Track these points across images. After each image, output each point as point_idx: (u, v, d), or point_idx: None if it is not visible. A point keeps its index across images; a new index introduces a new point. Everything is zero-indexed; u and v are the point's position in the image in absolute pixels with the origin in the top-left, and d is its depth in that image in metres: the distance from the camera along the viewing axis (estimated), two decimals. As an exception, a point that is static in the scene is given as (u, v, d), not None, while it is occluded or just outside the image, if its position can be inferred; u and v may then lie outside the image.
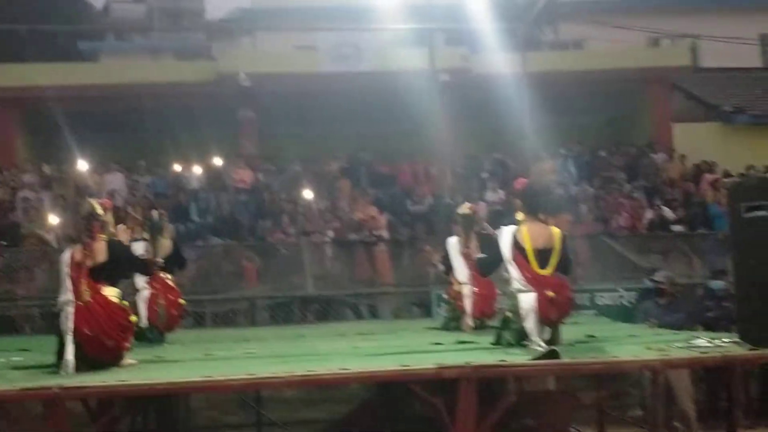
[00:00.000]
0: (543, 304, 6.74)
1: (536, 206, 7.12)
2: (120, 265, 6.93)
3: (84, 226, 6.81)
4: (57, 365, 6.37)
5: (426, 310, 13.04)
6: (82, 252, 6.66)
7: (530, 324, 6.73)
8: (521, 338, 6.85)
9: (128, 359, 6.67)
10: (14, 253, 14.35)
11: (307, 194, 16.48)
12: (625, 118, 20.44)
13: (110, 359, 6.45)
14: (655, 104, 20.02)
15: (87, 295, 6.50)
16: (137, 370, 6.33)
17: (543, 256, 6.86)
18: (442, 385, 5.99)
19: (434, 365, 5.80)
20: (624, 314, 11.17)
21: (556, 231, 6.98)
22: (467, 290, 9.31)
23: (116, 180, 17.44)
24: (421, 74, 15.42)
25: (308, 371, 5.77)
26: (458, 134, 18.42)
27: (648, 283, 10.34)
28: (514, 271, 6.94)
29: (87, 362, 6.33)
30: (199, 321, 13.32)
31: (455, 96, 18.06)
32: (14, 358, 7.52)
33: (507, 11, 18.17)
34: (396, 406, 8.48)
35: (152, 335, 8.99)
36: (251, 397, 10.29)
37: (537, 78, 16.72)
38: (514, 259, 6.92)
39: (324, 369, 5.84)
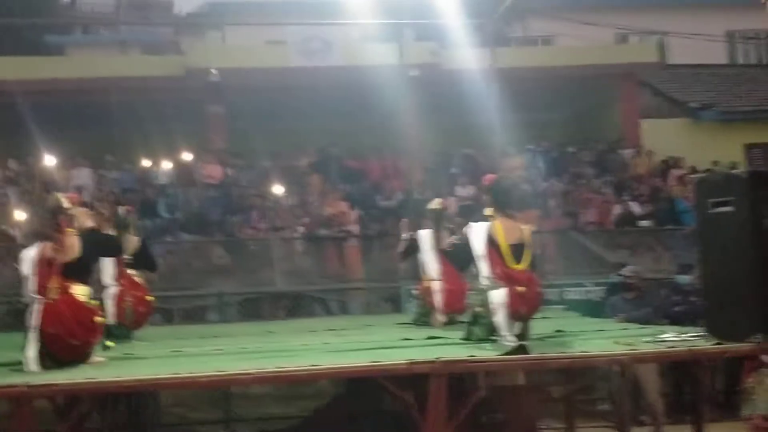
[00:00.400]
0: (513, 299, 6.77)
1: (506, 202, 7.14)
2: (92, 260, 6.85)
3: (50, 221, 6.70)
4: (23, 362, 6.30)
5: (396, 306, 13.06)
6: (53, 248, 6.54)
7: (500, 319, 6.76)
8: (491, 333, 6.88)
9: (96, 357, 6.61)
10: (-21, 249, 14.16)
11: (277, 189, 16.42)
12: (594, 114, 20.58)
13: (76, 358, 6.37)
14: (623, 100, 20.16)
15: (54, 293, 6.40)
16: (105, 368, 6.28)
17: (517, 251, 6.89)
18: (413, 380, 6.02)
19: (405, 360, 5.81)
20: (592, 309, 11.23)
21: (526, 227, 7.03)
22: (437, 286, 9.33)
23: (83, 175, 17.26)
24: (390, 69, 15.42)
25: (278, 368, 5.77)
26: (428, 129, 18.43)
27: (616, 278, 10.43)
28: (484, 267, 6.95)
29: (53, 360, 6.26)
30: (167, 317, 13.24)
31: (425, 91, 18.05)
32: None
33: (476, 7, 18.19)
34: (367, 402, 8.49)
35: (119, 332, 8.89)
36: (220, 393, 10.24)
37: (506, 74, 16.81)
38: (488, 255, 6.92)
39: (294, 365, 5.82)
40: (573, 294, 12.50)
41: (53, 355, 6.31)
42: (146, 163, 17.72)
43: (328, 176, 17.65)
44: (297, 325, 10.91)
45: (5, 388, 5.32)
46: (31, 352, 6.22)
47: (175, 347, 7.67)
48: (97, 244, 7.01)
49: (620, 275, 9.94)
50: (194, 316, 13.54)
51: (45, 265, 6.51)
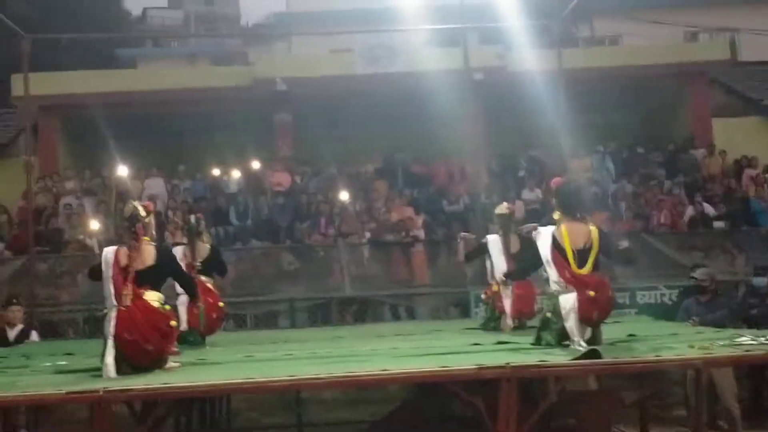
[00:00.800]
0: (584, 303, 6.68)
1: (573, 205, 7.05)
2: (165, 272, 6.98)
3: (127, 229, 6.85)
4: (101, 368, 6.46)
5: (464, 311, 13.02)
6: (128, 255, 6.68)
7: (571, 324, 6.69)
8: (562, 339, 6.81)
9: (171, 362, 6.74)
10: (57, 259, 14.59)
11: (344, 196, 16.54)
12: (663, 114, 20.22)
13: (152, 364, 6.50)
14: (694, 99, 19.76)
15: (128, 300, 6.54)
16: (180, 373, 6.40)
17: (582, 255, 6.80)
18: (482, 385, 5.99)
19: (474, 366, 5.79)
20: (665, 312, 11.05)
21: (593, 229, 6.92)
22: (506, 290, 9.28)
23: (156, 185, 17.67)
24: (455, 73, 15.39)
25: (348, 372, 5.80)
26: (493, 133, 18.39)
27: (689, 281, 10.22)
28: (553, 272, 6.89)
29: (130, 366, 6.40)
30: (240, 323, 13.46)
31: (490, 94, 18.02)
32: (59, 363, 7.62)
33: (541, 8, 18.06)
34: (436, 407, 8.50)
35: (193, 338, 9.06)
36: (291, 398, 10.34)
37: (573, 75, 16.57)
38: (554, 260, 6.87)
39: (364, 370, 5.86)
40: (645, 297, 12.30)
41: (130, 361, 6.46)
42: (216, 171, 18.03)
43: (393, 182, 17.74)
44: (365, 330, 10.96)
45: (84, 394, 5.47)
46: (109, 358, 6.37)
47: (248, 352, 7.78)
48: (175, 273, 7.20)
49: (692, 278, 9.73)
50: (266, 321, 13.71)
51: (120, 271, 6.65)
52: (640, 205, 16.48)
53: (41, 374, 6.82)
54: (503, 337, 8.08)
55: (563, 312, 6.74)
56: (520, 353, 6.63)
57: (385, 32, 18.69)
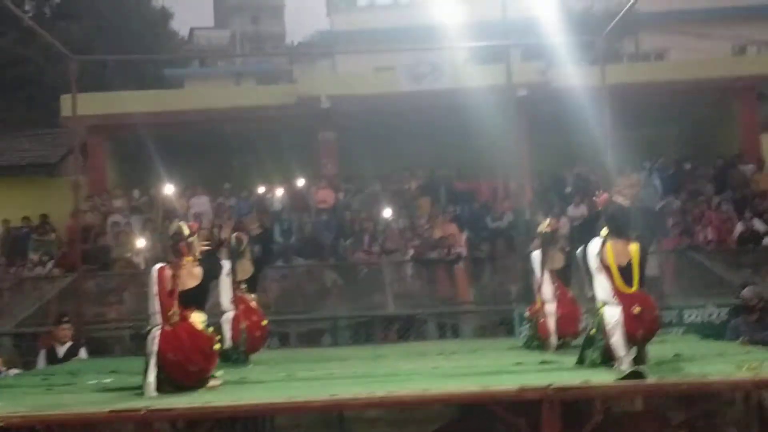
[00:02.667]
0: (629, 319, 6.59)
1: (619, 225, 6.97)
2: (209, 285, 7.01)
3: (171, 247, 6.89)
4: (142, 387, 6.52)
5: (509, 329, 12.91)
6: (173, 277, 6.69)
7: (616, 339, 6.59)
8: (607, 358, 6.71)
9: (213, 381, 6.78)
10: (105, 277, 14.81)
11: (387, 213, 16.55)
12: (711, 128, 19.94)
13: (194, 383, 6.54)
14: (742, 114, 19.46)
15: (175, 319, 6.59)
16: (222, 392, 6.43)
17: (626, 273, 6.74)
18: (525, 406, 5.92)
19: (516, 386, 5.73)
20: (713, 332, 10.84)
21: (634, 247, 6.84)
22: (551, 308, 9.18)
23: (202, 203, 17.86)
24: (498, 90, 15.35)
25: (389, 392, 5.79)
26: (537, 149, 18.28)
27: (736, 300, 10.02)
28: (599, 287, 6.81)
29: (172, 385, 6.45)
30: (284, 341, 13.51)
31: (533, 110, 17.96)
32: (105, 380, 7.71)
33: (584, 24, 18.00)
34: (480, 427, 8.41)
35: (236, 356, 9.11)
36: (335, 416, 10.32)
37: (618, 90, 16.36)
38: (601, 272, 6.80)
39: (404, 390, 5.84)
40: (693, 316, 12.09)
41: (172, 381, 6.49)
42: (261, 189, 18.16)
43: (437, 199, 17.71)
44: (408, 348, 10.92)
45: (127, 412, 5.52)
46: (151, 377, 6.42)
47: (289, 371, 7.80)
48: (210, 269, 7.19)
49: (739, 297, 9.54)
50: (309, 339, 13.75)
51: (165, 290, 6.70)
52: (688, 222, 16.23)
53: (86, 392, 6.91)
54: (547, 357, 7.99)
55: (608, 327, 6.64)
56: (563, 373, 6.55)
57: (428, 50, 18.73)
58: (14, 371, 9.82)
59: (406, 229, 16.42)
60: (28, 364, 10.88)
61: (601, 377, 6.07)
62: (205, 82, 26.65)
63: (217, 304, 9.18)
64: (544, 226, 9.71)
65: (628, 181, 17.25)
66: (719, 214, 16.34)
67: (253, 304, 9.59)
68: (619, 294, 6.72)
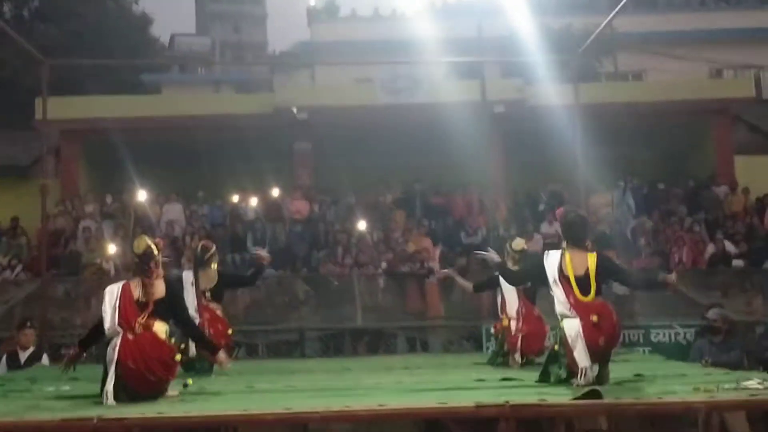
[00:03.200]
0: (588, 329, 6.61)
1: (576, 234, 7.02)
2: (172, 307, 7.00)
3: (140, 266, 6.88)
4: (100, 395, 6.46)
5: (477, 344, 12.91)
6: (142, 290, 6.70)
7: (578, 351, 6.61)
8: (572, 372, 6.72)
9: (171, 391, 6.72)
10: (73, 282, 14.66)
11: (362, 225, 16.52)
12: (686, 150, 20.09)
13: (152, 393, 6.49)
14: (717, 136, 19.63)
15: (138, 330, 6.56)
16: (178, 402, 6.37)
17: (583, 282, 6.77)
18: (482, 423, 5.90)
19: (472, 403, 5.70)
20: (680, 352, 10.89)
21: (591, 256, 6.87)
22: (516, 325, 9.18)
23: (175, 210, 17.77)
24: (475, 106, 15.43)
25: (345, 406, 5.73)
26: (513, 165, 18.35)
27: (701, 321, 10.07)
28: (559, 294, 6.83)
29: (129, 394, 6.39)
30: (251, 352, 13.41)
31: (510, 127, 18.01)
32: (63, 387, 7.61)
33: (563, 42, 18.09)
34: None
35: (200, 366, 9.03)
36: (299, 429, 10.24)
37: (594, 109, 16.54)
38: (560, 283, 6.83)
39: (361, 405, 5.79)
40: (660, 336, 12.14)
41: (130, 390, 6.45)
42: (235, 198, 18.09)
43: (412, 212, 17.71)
44: (375, 362, 10.86)
45: (79, 421, 5.43)
46: (109, 386, 6.37)
47: (250, 383, 7.73)
48: (180, 308, 7.17)
49: (705, 318, 9.58)
50: (277, 350, 13.68)
51: (131, 303, 6.66)
52: (660, 242, 16.32)
53: (42, 399, 6.80)
54: (509, 374, 7.97)
55: (570, 340, 6.66)
56: (523, 391, 6.53)
57: (406, 64, 18.75)
58: None
59: (380, 242, 16.40)
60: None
61: (559, 396, 6.05)
62: (183, 88, 26.52)
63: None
64: (517, 244, 9.69)
65: (601, 199, 17.40)
66: (692, 235, 16.43)
67: (219, 312, 9.51)
68: (575, 305, 6.74)
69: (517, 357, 9.04)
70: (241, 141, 18.43)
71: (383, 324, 13.72)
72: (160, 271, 6.90)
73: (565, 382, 6.72)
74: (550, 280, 6.88)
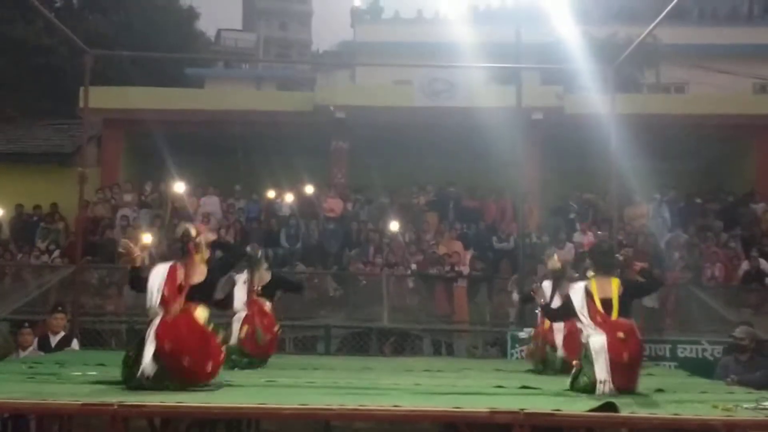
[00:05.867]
0: (614, 344, 6.86)
1: (605, 263, 7.37)
2: (214, 280, 7.08)
3: (179, 248, 6.97)
4: (128, 376, 6.55)
5: (502, 351, 12.90)
6: (182, 272, 6.80)
7: (600, 364, 6.80)
8: (593, 387, 6.81)
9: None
10: (107, 269, 14.90)
11: (394, 226, 16.59)
12: (725, 165, 19.86)
13: (186, 378, 6.49)
14: (758, 152, 19.37)
15: (177, 312, 6.63)
16: (199, 393, 6.45)
17: (608, 304, 7.07)
18: (497, 429, 5.94)
19: (487, 408, 5.74)
20: (706, 368, 10.77)
21: (615, 281, 7.17)
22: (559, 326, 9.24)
23: (212, 203, 17.99)
24: (513, 111, 15.38)
25: (360, 405, 5.81)
26: (549, 173, 18.28)
27: (729, 338, 9.97)
28: (585, 318, 7.10)
29: (165, 377, 6.44)
30: (279, 346, 13.49)
31: (547, 134, 17.95)
32: (90, 373, 7.77)
33: (606, 51, 17.95)
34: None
35: (244, 359, 9.16)
36: (321, 425, 10.34)
37: (634, 120, 16.39)
38: (587, 307, 7.12)
39: (376, 405, 5.86)
40: (686, 351, 12.02)
41: (168, 373, 6.47)
42: (271, 194, 18.26)
43: (445, 215, 17.73)
44: (397, 363, 10.90)
45: (99, 406, 5.57)
46: (147, 358, 6.43)
47: (272, 377, 7.84)
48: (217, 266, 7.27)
49: (732, 336, 9.49)
50: (304, 346, 13.78)
51: (174, 284, 6.75)
52: (694, 256, 16.15)
53: (67, 383, 6.96)
54: (528, 382, 7.98)
55: (594, 354, 6.86)
56: (539, 399, 6.55)
57: (446, 67, 18.76)
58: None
59: (412, 243, 16.45)
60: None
61: (575, 406, 6.06)
62: (226, 83, 26.78)
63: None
64: (554, 262, 9.74)
65: (636, 211, 17.27)
66: (726, 251, 16.26)
67: (267, 308, 9.67)
68: (602, 323, 6.99)
69: (560, 353, 9.05)
70: (280, 137, 18.62)
71: (410, 325, 13.76)
72: (203, 254, 6.98)
73: (590, 392, 6.82)
74: (578, 309, 7.18)
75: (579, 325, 7.37)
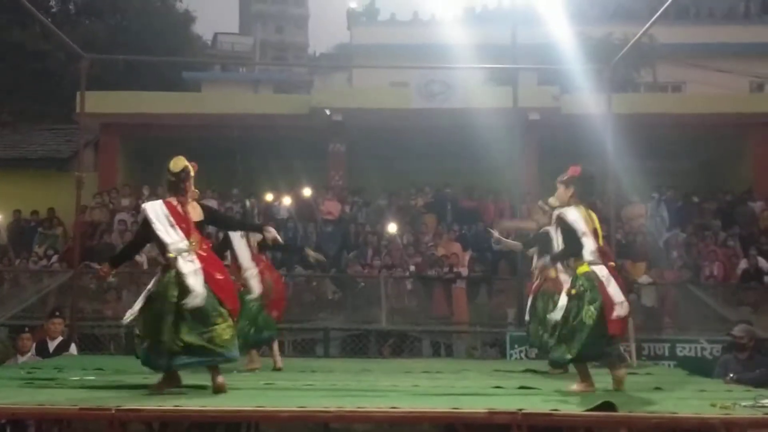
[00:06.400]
0: (612, 272, 7.06)
1: (589, 190, 7.43)
2: (217, 219, 7.04)
3: (175, 184, 6.73)
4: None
5: (501, 351, 12.89)
6: (180, 204, 6.58)
7: (613, 288, 6.89)
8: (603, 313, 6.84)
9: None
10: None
11: (392, 228, 16.59)
12: (723, 164, 19.88)
13: (233, 310, 6.48)
14: (755, 151, 19.40)
15: (196, 247, 6.42)
16: (197, 396, 6.45)
17: (595, 234, 7.15)
18: (495, 429, 5.93)
19: (485, 409, 5.74)
20: (705, 367, 10.76)
21: (594, 214, 7.23)
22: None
23: (210, 206, 17.90)
24: (509, 112, 15.39)
25: (358, 407, 5.80)
26: (546, 173, 18.19)
27: (727, 337, 9.97)
28: (590, 242, 7.07)
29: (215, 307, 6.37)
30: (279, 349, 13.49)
31: (544, 135, 17.95)
32: (88, 377, 7.76)
33: (601, 52, 17.95)
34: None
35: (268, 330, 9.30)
36: (321, 427, 10.32)
37: (631, 120, 16.39)
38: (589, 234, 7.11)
39: (374, 406, 5.85)
40: (686, 350, 12.01)
41: (221, 302, 6.39)
42: (269, 196, 18.25)
43: (443, 216, 17.73)
44: (396, 365, 10.91)
45: (97, 410, 5.56)
46: (199, 287, 6.26)
47: (270, 380, 7.83)
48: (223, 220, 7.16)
49: (730, 334, 9.48)
50: (303, 348, 13.76)
51: (181, 218, 6.52)
52: (693, 255, 16.16)
53: (65, 388, 6.95)
54: (527, 382, 7.97)
55: (604, 280, 6.92)
56: (538, 399, 6.54)
57: (442, 68, 18.78)
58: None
59: (410, 245, 16.44)
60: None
61: (572, 406, 6.06)
62: (223, 87, 26.73)
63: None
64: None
65: (634, 210, 17.28)
66: (725, 249, 16.27)
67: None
68: (599, 252, 7.09)
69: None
70: (277, 140, 18.63)
71: (408, 327, 13.74)
72: (194, 193, 6.82)
73: (602, 317, 6.81)
74: (579, 232, 7.08)
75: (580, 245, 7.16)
